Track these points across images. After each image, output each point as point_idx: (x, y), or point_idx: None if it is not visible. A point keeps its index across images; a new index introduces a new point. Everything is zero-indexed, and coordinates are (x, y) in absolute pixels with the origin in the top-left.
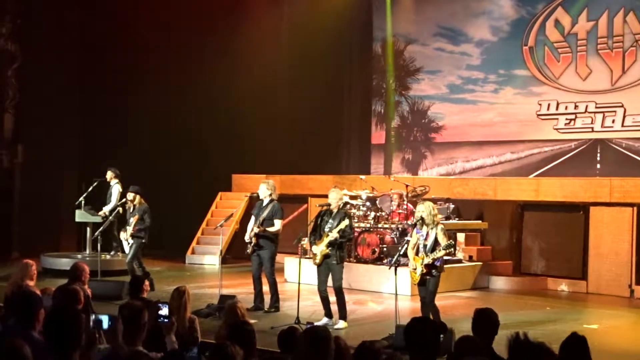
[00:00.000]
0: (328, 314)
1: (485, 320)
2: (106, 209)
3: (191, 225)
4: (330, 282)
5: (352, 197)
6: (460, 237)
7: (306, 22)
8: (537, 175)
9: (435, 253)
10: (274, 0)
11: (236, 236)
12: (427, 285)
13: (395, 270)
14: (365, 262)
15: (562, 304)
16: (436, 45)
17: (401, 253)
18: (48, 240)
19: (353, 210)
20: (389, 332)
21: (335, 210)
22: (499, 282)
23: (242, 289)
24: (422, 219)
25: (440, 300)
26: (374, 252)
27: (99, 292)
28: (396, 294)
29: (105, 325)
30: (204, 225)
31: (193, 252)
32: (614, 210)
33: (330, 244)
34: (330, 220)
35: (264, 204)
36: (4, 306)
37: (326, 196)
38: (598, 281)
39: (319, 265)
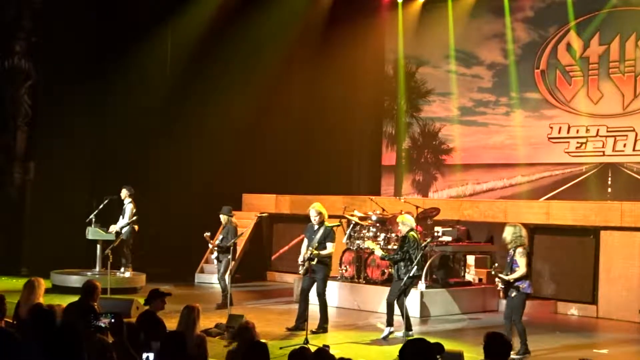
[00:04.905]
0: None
1: (496, 344)
2: (117, 227)
3: (201, 244)
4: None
5: (361, 219)
6: (470, 259)
7: (319, 42)
8: (547, 199)
9: (514, 274)
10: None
11: (246, 255)
12: (511, 303)
13: (405, 291)
14: (375, 283)
15: (572, 328)
16: (448, 68)
17: (410, 275)
18: (58, 257)
19: (364, 231)
20: (397, 354)
21: (405, 234)
22: None
23: (251, 308)
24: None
25: (449, 323)
26: (383, 273)
27: (108, 309)
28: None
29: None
30: None
31: (202, 272)
32: (625, 235)
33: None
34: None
35: (315, 228)
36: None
37: (337, 216)
38: (608, 306)
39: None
